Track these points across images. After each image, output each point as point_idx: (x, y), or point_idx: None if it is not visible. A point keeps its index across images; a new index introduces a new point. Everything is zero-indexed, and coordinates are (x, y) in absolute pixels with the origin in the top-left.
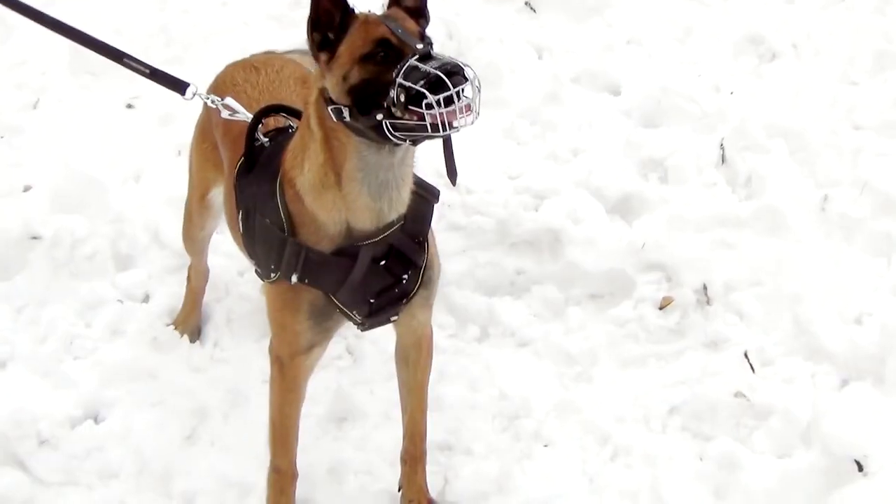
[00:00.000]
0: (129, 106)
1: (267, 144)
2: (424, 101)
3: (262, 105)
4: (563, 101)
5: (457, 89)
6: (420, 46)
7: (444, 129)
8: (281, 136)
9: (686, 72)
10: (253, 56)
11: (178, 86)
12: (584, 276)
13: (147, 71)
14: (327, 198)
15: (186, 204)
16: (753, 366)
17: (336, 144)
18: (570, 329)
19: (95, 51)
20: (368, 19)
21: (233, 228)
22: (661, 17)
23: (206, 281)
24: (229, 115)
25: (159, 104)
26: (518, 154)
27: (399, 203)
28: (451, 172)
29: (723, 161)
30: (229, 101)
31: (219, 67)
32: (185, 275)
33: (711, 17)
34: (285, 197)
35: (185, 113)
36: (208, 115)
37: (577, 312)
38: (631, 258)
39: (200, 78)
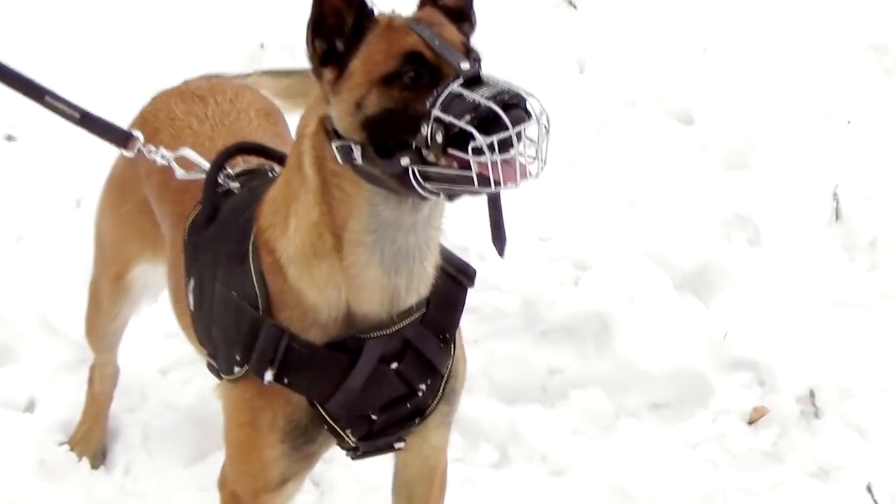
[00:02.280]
0: (10, 138)
1: (236, 190)
2: (471, 145)
3: (223, 144)
4: (615, 133)
5: (517, 129)
6: (466, 66)
7: (498, 185)
8: (255, 181)
9: (784, 92)
10: (191, 81)
11: (117, 136)
12: (642, 377)
13: (76, 115)
14: (321, 270)
15: (93, 284)
16: (879, 502)
17: (338, 195)
18: (624, 451)
19: (10, 86)
20: (393, 24)
21: (177, 303)
22: (750, 17)
23: (115, 384)
24: (185, 174)
25: (51, 135)
26: (552, 206)
27: (421, 281)
28: (499, 239)
29: (837, 217)
30: (188, 152)
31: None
32: (87, 376)
33: (819, 17)
34: (260, 264)
35: (88, 147)
36: (131, 164)
37: (634, 428)
38: (708, 353)
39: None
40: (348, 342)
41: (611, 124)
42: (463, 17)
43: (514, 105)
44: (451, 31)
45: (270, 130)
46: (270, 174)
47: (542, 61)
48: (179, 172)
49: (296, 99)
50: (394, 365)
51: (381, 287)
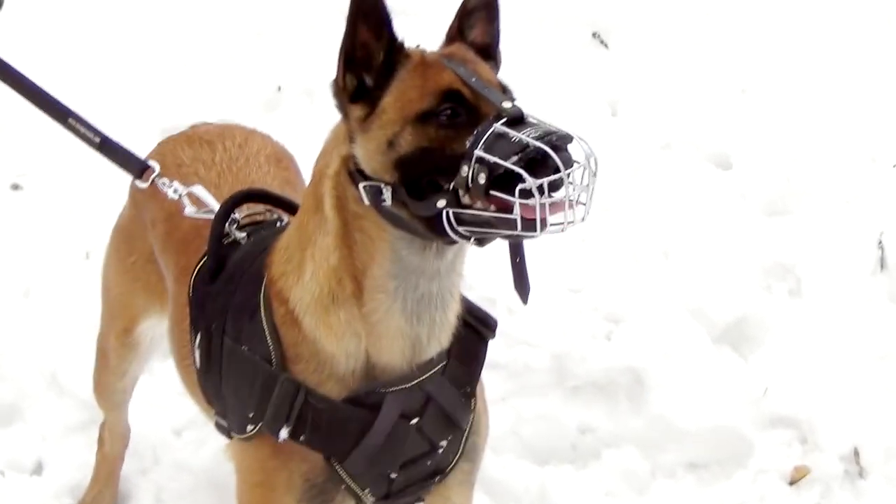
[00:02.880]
0: (16, 186)
1: (242, 240)
2: (519, 186)
3: (229, 191)
4: (649, 178)
5: (568, 171)
6: (507, 104)
7: (544, 227)
8: (264, 231)
9: (827, 135)
10: (199, 126)
11: (133, 165)
12: (679, 435)
13: (97, 141)
14: (339, 318)
15: (100, 339)
16: None
17: (360, 239)
18: None
19: (36, 105)
20: (427, 60)
21: (182, 360)
22: (790, 56)
23: (126, 445)
24: (195, 211)
25: (58, 183)
26: (583, 256)
27: (443, 330)
28: (523, 286)
29: (882, 266)
30: (198, 189)
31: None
32: (96, 436)
33: (862, 57)
34: (273, 316)
35: (97, 196)
36: (137, 212)
37: (670, 489)
38: (748, 410)
39: None
40: (368, 397)
41: (645, 169)
42: (488, 55)
43: (562, 147)
44: (485, 69)
45: (280, 177)
46: (279, 224)
47: (573, 103)
48: (189, 209)
49: None
50: (414, 420)
51: (403, 336)
